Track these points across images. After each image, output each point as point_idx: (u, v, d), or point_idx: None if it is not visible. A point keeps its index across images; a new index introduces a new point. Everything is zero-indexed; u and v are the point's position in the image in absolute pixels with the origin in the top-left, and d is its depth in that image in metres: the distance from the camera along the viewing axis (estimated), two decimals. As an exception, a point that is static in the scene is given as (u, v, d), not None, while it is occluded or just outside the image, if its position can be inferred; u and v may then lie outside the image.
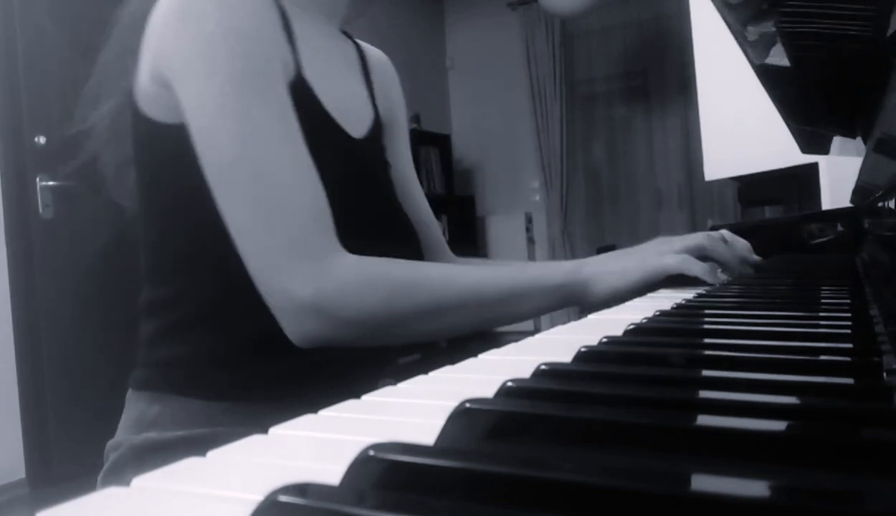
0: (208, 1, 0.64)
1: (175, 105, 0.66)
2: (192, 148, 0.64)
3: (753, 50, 0.64)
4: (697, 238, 0.74)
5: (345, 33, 0.89)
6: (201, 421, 0.67)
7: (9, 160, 2.53)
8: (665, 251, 0.71)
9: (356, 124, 0.79)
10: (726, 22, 0.62)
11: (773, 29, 0.55)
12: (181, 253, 0.70)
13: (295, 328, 0.62)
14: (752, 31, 0.58)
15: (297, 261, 0.61)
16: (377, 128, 0.84)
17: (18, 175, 2.54)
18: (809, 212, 1.75)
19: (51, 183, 2.57)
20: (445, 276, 0.67)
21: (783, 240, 1.21)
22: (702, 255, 0.73)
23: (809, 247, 1.18)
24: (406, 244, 0.79)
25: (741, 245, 0.84)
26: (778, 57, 0.65)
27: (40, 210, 2.55)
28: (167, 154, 0.68)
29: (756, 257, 0.85)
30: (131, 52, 0.70)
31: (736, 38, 0.65)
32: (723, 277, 0.73)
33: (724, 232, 0.87)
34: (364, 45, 0.91)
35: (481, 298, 0.67)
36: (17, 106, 2.53)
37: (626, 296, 0.71)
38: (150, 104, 0.68)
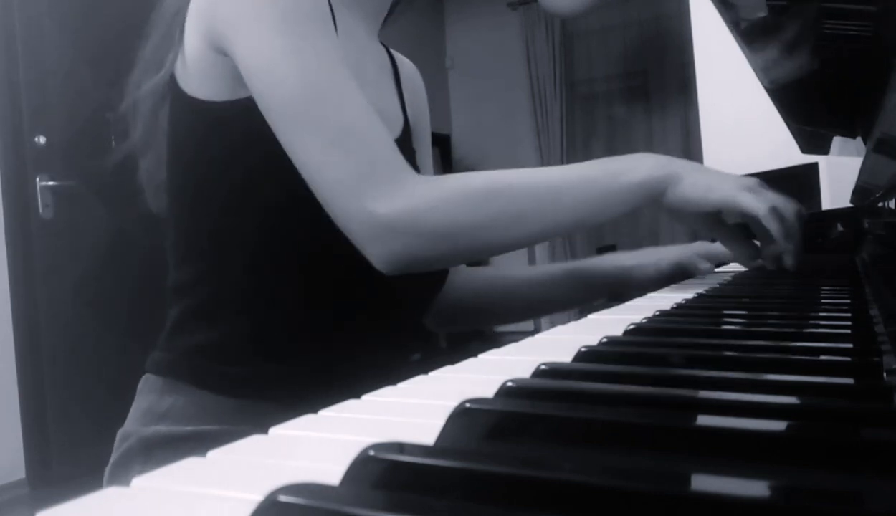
0: None
1: (225, 75, 0.66)
2: (233, 125, 0.65)
3: (759, 67, 0.64)
4: (788, 205, 0.69)
5: (381, 44, 0.89)
6: (211, 417, 0.67)
7: (9, 160, 2.53)
8: (757, 194, 0.67)
9: (389, 125, 0.79)
10: (726, 22, 0.62)
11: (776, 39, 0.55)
12: (214, 232, 0.70)
13: (380, 249, 0.62)
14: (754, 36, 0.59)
15: (377, 182, 0.61)
16: (407, 133, 0.84)
17: (18, 175, 2.54)
18: (809, 212, 1.75)
19: (51, 183, 2.56)
20: (524, 181, 0.66)
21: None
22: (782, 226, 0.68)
23: (810, 247, 1.17)
24: None
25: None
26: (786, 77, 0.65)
27: (40, 210, 2.55)
28: (205, 134, 0.68)
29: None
30: (172, 38, 0.71)
31: (736, 39, 0.65)
32: (786, 245, 0.68)
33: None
34: (396, 54, 0.92)
35: (564, 200, 0.66)
36: (17, 106, 2.53)
37: (696, 213, 0.68)
38: (195, 80, 0.68)
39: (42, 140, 2.56)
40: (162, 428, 0.68)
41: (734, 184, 0.67)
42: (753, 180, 0.70)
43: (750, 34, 0.65)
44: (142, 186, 0.79)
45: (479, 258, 0.70)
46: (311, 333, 0.69)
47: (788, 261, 0.71)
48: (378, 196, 0.61)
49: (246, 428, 0.71)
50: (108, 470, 0.70)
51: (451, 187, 0.64)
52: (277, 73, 0.63)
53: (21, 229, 2.54)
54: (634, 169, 0.67)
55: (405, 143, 0.83)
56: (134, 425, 0.70)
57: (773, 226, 0.67)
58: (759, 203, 0.67)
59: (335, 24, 0.71)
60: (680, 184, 0.66)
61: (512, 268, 0.98)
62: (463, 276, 0.93)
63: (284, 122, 0.63)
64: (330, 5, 0.71)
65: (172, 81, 0.70)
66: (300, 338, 0.69)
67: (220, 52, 0.66)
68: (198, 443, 0.65)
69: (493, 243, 0.66)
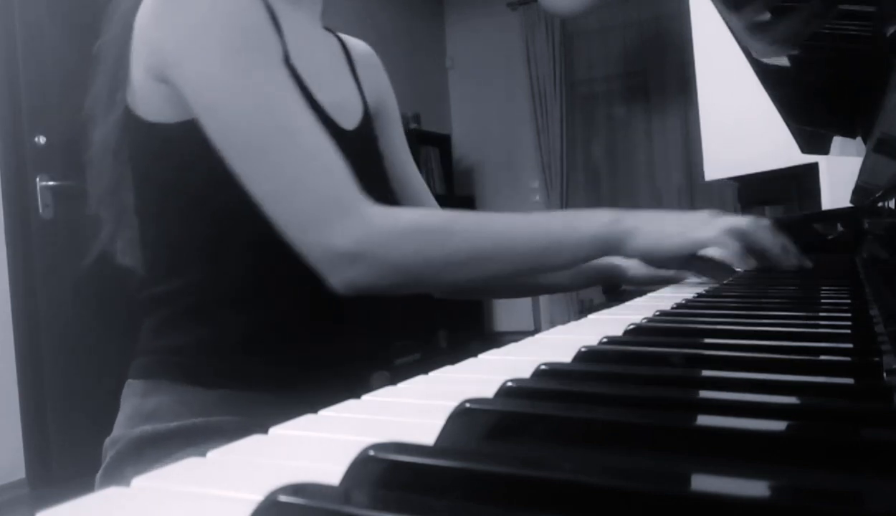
0: None
1: (174, 101, 0.66)
2: (195, 143, 0.65)
3: (754, 50, 0.64)
4: (742, 221, 0.71)
5: (327, 29, 0.89)
6: (197, 410, 0.68)
7: (9, 160, 2.53)
8: (709, 225, 0.69)
9: (346, 117, 0.79)
10: (726, 22, 0.62)
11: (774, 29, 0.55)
12: (190, 247, 0.70)
13: (338, 277, 0.64)
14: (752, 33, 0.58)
15: (335, 215, 0.63)
16: (367, 120, 0.84)
17: (18, 175, 2.54)
18: (809, 212, 1.75)
19: (51, 183, 2.56)
20: (480, 224, 0.68)
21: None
22: (743, 241, 0.70)
23: (810, 247, 1.17)
24: None
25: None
26: (778, 57, 0.65)
27: (40, 210, 2.55)
28: (169, 155, 0.69)
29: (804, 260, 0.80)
30: (118, 79, 0.71)
31: (736, 39, 0.65)
32: (749, 265, 0.70)
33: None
34: (346, 37, 0.91)
35: (516, 247, 0.67)
36: (17, 106, 2.53)
37: (658, 259, 0.70)
38: (149, 107, 0.69)
39: (42, 140, 2.56)
40: (149, 428, 0.68)
41: (687, 225, 0.69)
42: (705, 213, 0.72)
43: (749, 35, 0.65)
44: (125, 265, 0.79)
45: (435, 291, 0.71)
46: (295, 327, 0.70)
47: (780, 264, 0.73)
48: (335, 228, 0.63)
49: (232, 418, 0.71)
50: (98, 477, 0.70)
51: (407, 223, 0.65)
52: (229, 112, 0.63)
53: (21, 229, 2.54)
54: (590, 222, 0.69)
55: (365, 131, 0.83)
56: (121, 430, 0.70)
57: (731, 245, 0.68)
58: (712, 235, 0.68)
59: (280, 29, 0.71)
60: (634, 238, 0.68)
61: None
62: None
63: (239, 159, 0.64)
64: (272, 10, 0.71)
65: (128, 112, 0.71)
66: (285, 332, 0.70)
67: (164, 82, 0.66)
68: (186, 438, 0.66)
69: (444, 281, 0.68)
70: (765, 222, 0.74)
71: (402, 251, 0.64)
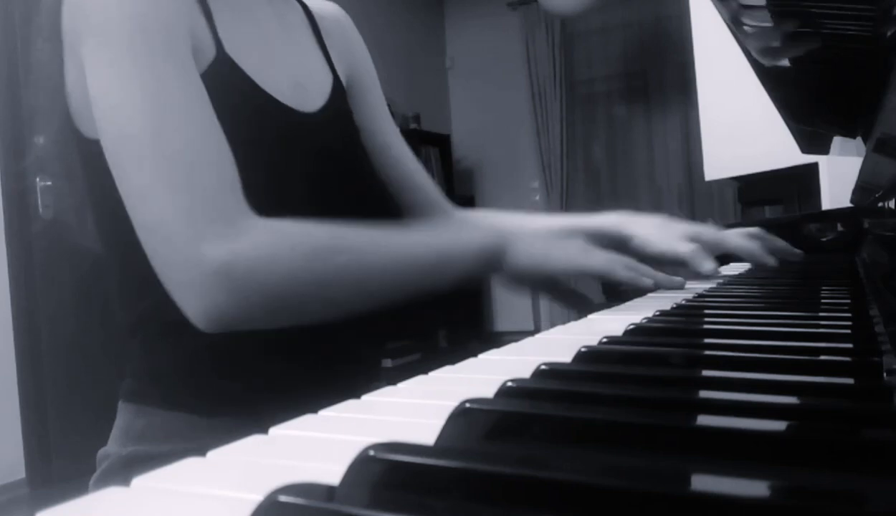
0: None
1: None
2: None
3: (755, 51, 0.64)
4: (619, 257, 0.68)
5: None
6: (187, 435, 0.66)
7: (9, 160, 2.53)
8: (592, 252, 0.67)
9: (308, 97, 0.74)
10: (727, 22, 0.62)
11: (774, 29, 0.55)
12: (149, 269, 0.63)
13: (202, 302, 0.55)
14: (752, 31, 0.59)
15: (207, 223, 0.55)
16: (338, 94, 0.79)
17: (18, 175, 2.54)
18: (809, 212, 1.75)
19: (51, 183, 2.57)
20: (370, 238, 0.62)
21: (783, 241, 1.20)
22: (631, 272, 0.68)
23: (809, 247, 1.17)
24: (382, 215, 0.76)
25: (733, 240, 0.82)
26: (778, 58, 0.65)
27: (40, 210, 2.55)
28: (106, 173, 0.62)
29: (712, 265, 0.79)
30: (59, 73, 0.66)
31: (736, 39, 0.65)
32: (648, 282, 0.68)
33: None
34: (314, 4, 0.85)
35: (406, 261, 0.63)
36: (17, 106, 2.53)
37: (534, 277, 0.68)
38: (87, 121, 0.64)
39: (42, 140, 2.56)
40: (140, 449, 0.67)
41: (573, 250, 0.67)
42: (580, 240, 0.70)
43: (750, 36, 0.65)
44: (67, 224, 0.77)
45: (303, 322, 0.62)
46: (272, 348, 0.66)
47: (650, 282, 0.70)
48: (205, 238, 0.54)
49: (222, 442, 0.69)
50: (90, 485, 0.69)
51: (291, 236, 0.58)
52: (113, 107, 0.58)
53: (21, 229, 2.54)
54: (476, 234, 0.67)
55: (336, 104, 0.78)
56: (113, 446, 0.70)
57: (620, 276, 0.66)
58: (599, 263, 0.66)
59: (207, 5, 0.67)
60: (517, 254, 0.66)
61: None
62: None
63: (114, 157, 0.58)
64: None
65: (69, 124, 0.67)
66: (262, 353, 0.67)
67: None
68: (177, 461, 0.64)
69: (328, 300, 0.61)
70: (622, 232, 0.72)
71: (282, 266, 0.56)
